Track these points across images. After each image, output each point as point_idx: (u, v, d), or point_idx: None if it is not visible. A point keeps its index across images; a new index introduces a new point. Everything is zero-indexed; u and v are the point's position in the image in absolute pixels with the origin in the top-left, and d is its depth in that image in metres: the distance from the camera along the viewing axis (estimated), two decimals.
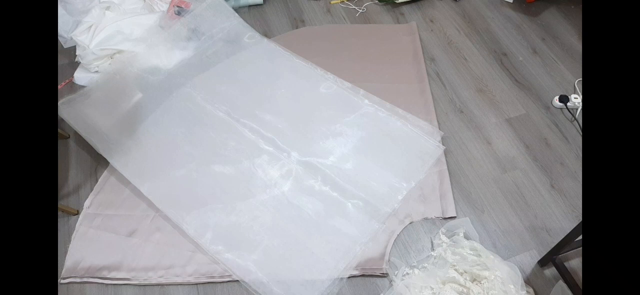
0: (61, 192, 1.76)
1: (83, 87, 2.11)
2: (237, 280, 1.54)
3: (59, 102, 1.91)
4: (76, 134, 1.91)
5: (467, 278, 1.48)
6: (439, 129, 1.95)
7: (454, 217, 1.69)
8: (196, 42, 2.25)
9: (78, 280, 1.56)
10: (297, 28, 2.44)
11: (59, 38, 2.27)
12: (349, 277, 1.55)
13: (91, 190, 1.78)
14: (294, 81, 2.11)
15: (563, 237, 1.43)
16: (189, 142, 1.89)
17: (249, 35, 2.32)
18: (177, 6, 2.30)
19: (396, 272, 1.54)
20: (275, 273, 1.54)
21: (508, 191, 1.78)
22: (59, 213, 1.67)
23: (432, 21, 2.47)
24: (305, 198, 1.72)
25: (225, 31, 2.31)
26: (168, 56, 2.18)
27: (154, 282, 1.54)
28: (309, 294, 1.50)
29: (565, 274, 1.51)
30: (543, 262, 1.57)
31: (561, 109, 2.05)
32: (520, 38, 2.37)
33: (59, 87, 2.11)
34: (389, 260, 1.58)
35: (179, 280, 1.55)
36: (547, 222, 1.69)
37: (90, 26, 2.14)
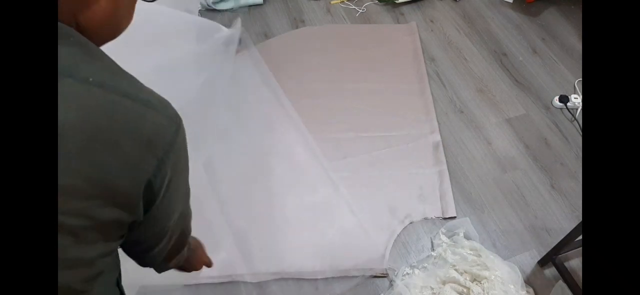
0: None
1: None
2: (238, 281, 1.54)
3: None
4: None
5: (467, 278, 1.48)
6: (439, 129, 1.95)
7: (454, 217, 1.69)
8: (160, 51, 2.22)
9: None
10: (297, 28, 2.44)
11: None
12: (349, 277, 1.55)
13: None
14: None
15: (563, 237, 1.43)
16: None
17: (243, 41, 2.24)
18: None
19: (396, 272, 1.54)
20: None
21: (508, 191, 1.78)
22: None
23: (432, 21, 2.47)
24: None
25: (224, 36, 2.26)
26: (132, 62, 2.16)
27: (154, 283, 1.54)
28: None
29: (565, 274, 1.51)
30: (543, 262, 1.57)
31: (561, 109, 2.05)
32: (520, 38, 2.37)
33: None
34: (388, 260, 1.58)
35: (179, 280, 1.55)
36: (547, 222, 1.69)
37: None
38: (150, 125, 0.50)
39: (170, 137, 0.52)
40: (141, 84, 0.52)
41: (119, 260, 0.65)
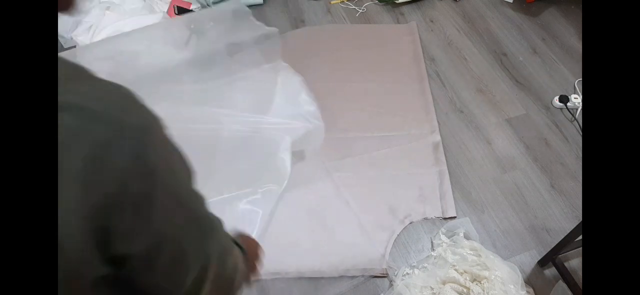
0: None
1: None
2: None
3: None
4: None
5: (467, 278, 1.48)
6: (439, 129, 1.95)
7: (454, 217, 1.69)
8: (196, 42, 2.25)
9: None
10: (297, 28, 2.44)
11: (59, 38, 2.26)
12: (349, 277, 1.55)
13: None
14: None
15: (563, 237, 1.43)
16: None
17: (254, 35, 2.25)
18: (177, 6, 2.30)
19: (396, 272, 1.54)
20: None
21: (508, 191, 1.78)
22: None
23: (432, 21, 2.47)
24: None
25: (226, 31, 2.28)
26: (168, 56, 2.17)
27: None
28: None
29: (565, 274, 1.51)
30: (543, 262, 1.57)
31: (561, 109, 2.05)
32: (520, 38, 2.37)
33: None
34: (388, 260, 1.58)
35: None
36: (547, 222, 1.69)
37: (90, 26, 2.14)
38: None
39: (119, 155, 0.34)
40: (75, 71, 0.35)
41: None
